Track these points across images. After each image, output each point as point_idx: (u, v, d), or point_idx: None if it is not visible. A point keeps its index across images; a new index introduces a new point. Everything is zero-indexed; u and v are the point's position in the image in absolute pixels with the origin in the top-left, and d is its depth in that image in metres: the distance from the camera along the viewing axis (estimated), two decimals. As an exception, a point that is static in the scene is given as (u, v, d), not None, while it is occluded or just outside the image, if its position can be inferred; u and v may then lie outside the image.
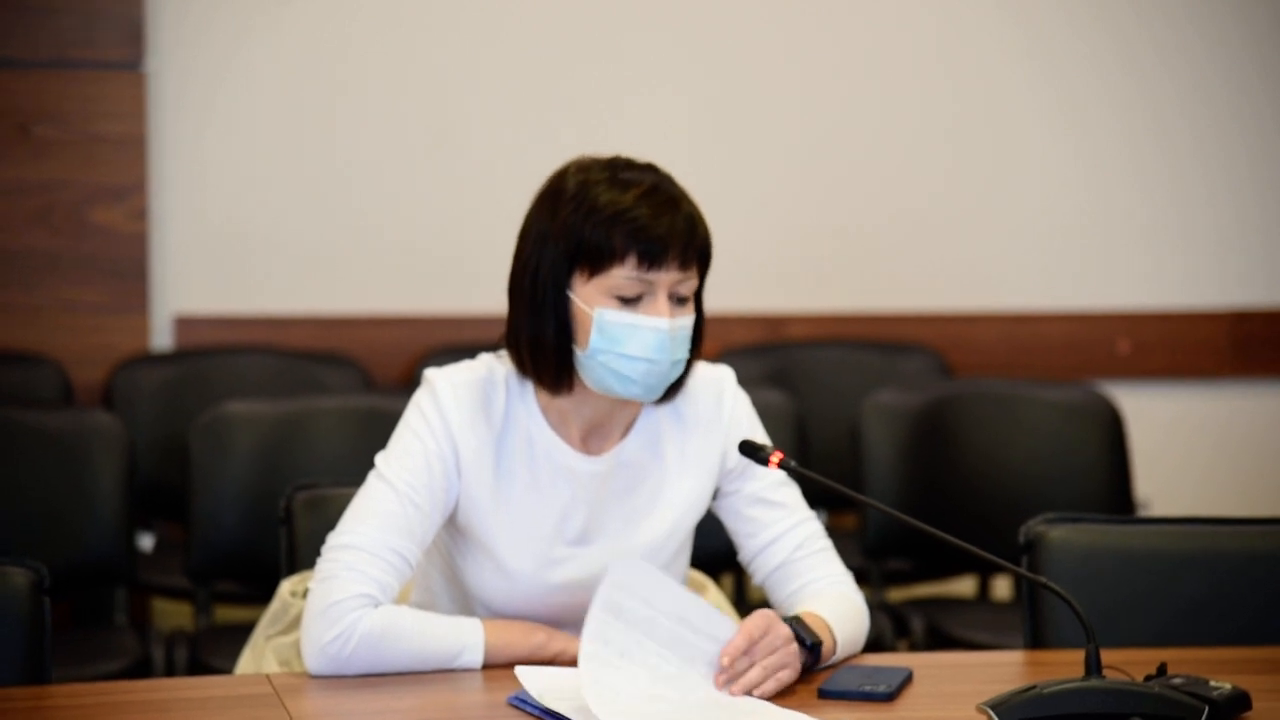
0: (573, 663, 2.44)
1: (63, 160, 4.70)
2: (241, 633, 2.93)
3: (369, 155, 4.92)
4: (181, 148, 4.82)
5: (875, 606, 3.91)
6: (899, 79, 5.14)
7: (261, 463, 3.85)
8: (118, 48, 4.71)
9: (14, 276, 4.68)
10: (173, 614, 4.60)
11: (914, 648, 3.97)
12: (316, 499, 2.90)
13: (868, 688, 2.34)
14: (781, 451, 2.49)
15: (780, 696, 2.33)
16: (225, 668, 3.32)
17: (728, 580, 4.06)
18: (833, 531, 2.72)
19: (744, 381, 2.67)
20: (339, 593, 2.41)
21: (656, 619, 2.25)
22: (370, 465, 2.52)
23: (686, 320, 2.47)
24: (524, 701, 2.26)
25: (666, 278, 2.43)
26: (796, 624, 2.40)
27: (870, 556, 4.10)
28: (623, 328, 2.43)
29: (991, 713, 2.21)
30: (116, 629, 3.80)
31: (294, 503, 2.91)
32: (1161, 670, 2.31)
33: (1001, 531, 3.10)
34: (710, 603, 2.43)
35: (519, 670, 2.31)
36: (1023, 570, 2.59)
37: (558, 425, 2.54)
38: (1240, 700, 2.25)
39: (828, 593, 2.57)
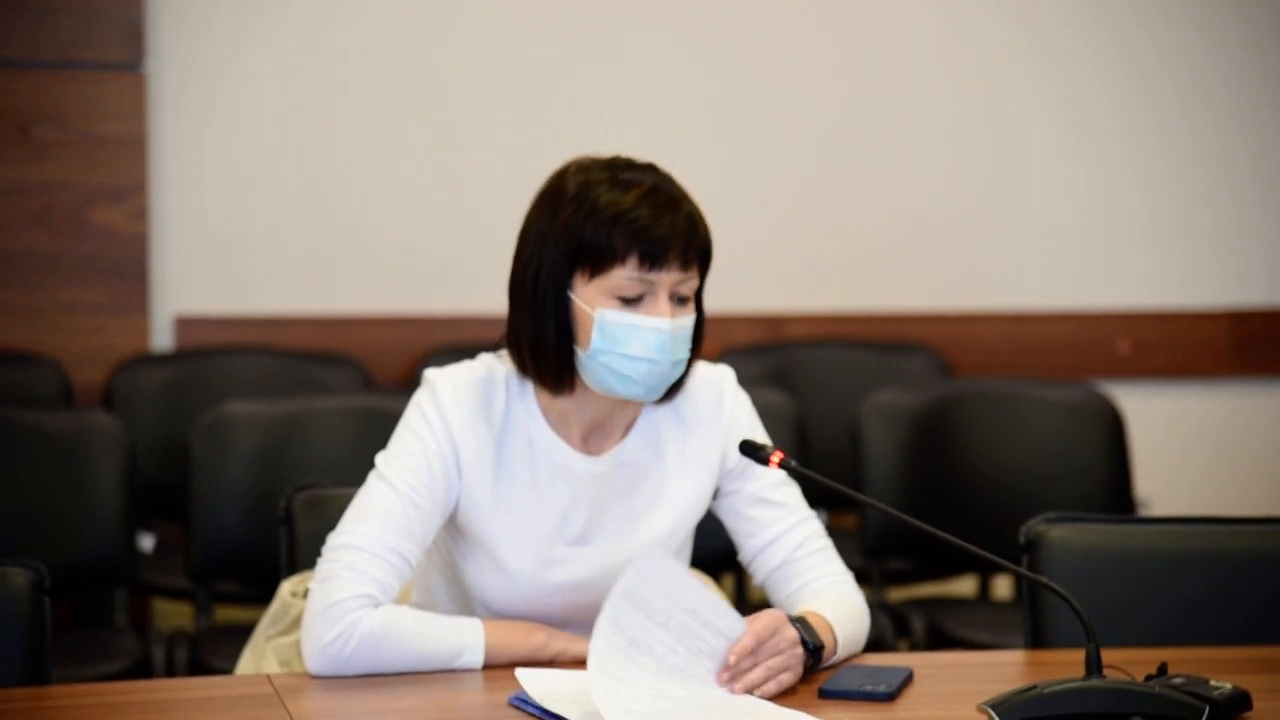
0: (573, 663, 2.45)
1: (63, 161, 4.70)
2: (242, 633, 2.93)
3: (369, 155, 4.92)
4: (181, 148, 4.83)
5: (876, 606, 3.91)
6: (899, 79, 5.14)
7: (262, 463, 3.85)
8: (118, 48, 4.71)
9: (14, 277, 4.68)
10: (173, 614, 4.60)
11: (914, 647, 3.97)
12: (317, 499, 2.90)
13: (868, 687, 2.35)
14: (782, 451, 2.49)
15: (781, 696, 2.33)
16: (226, 668, 3.32)
17: (728, 580, 4.06)
18: (833, 531, 2.72)
19: (744, 381, 2.67)
20: (339, 593, 2.41)
21: (672, 611, 2.25)
22: (370, 465, 2.52)
23: (687, 320, 2.47)
24: (525, 702, 2.26)
25: (667, 278, 2.43)
26: (801, 626, 2.40)
27: (870, 556, 4.10)
28: (624, 328, 2.43)
29: (992, 712, 2.21)
30: (117, 629, 3.80)
31: (294, 503, 2.91)
32: (1162, 670, 2.31)
33: (1002, 531, 3.10)
34: None
35: (519, 673, 2.31)
36: (1023, 570, 2.59)
37: (558, 425, 2.54)
38: (1241, 700, 2.25)
39: (828, 592, 2.57)
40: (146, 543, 4.49)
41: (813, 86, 5.11)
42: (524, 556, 2.53)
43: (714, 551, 2.84)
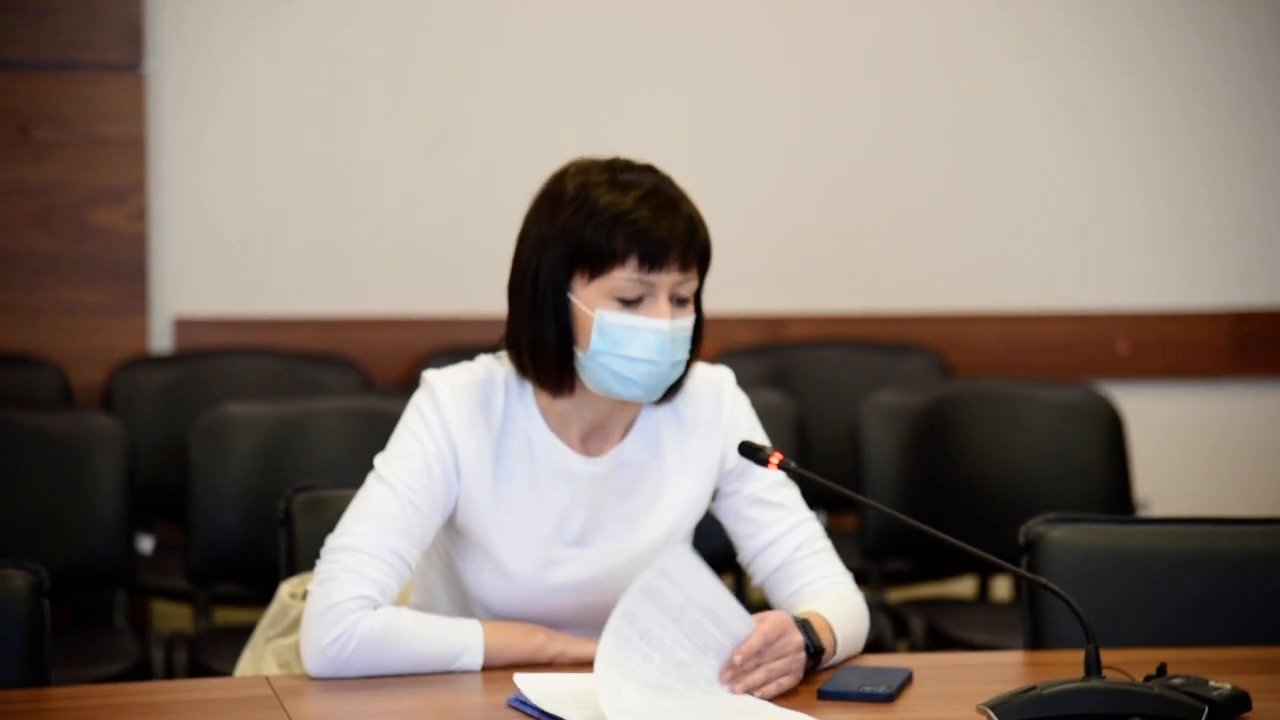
0: (573, 664, 2.46)
1: (62, 162, 4.70)
2: (241, 635, 2.93)
3: (369, 156, 4.92)
4: (181, 149, 4.82)
5: (875, 607, 3.90)
6: (899, 79, 5.14)
7: (261, 464, 3.85)
8: (117, 49, 4.71)
9: (14, 278, 4.68)
10: (172, 616, 4.60)
11: (914, 648, 3.97)
12: (316, 501, 2.90)
13: (868, 688, 2.35)
14: (781, 452, 2.49)
15: (781, 697, 2.33)
16: (225, 670, 3.32)
17: (728, 581, 4.04)
18: (832, 532, 2.72)
19: (743, 382, 2.67)
20: (338, 594, 2.41)
21: (686, 608, 2.25)
22: (369, 467, 2.52)
23: (687, 321, 2.47)
24: (524, 703, 2.26)
25: (667, 279, 2.43)
26: (804, 629, 2.40)
27: (870, 557, 4.10)
28: (624, 329, 2.43)
29: (992, 713, 2.21)
30: (116, 631, 3.80)
31: (293, 504, 2.91)
32: (1161, 670, 2.31)
33: (1001, 532, 3.09)
34: None
35: (517, 677, 2.31)
36: (1022, 571, 2.59)
37: (557, 427, 2.54)
38: (1240, 700, 2.25)
39: (827, 593, 2.57)
40: (146, 544, 4.49)
41: (813, 86, 5.11)
42: (523, 558, 2.53)
43: (713, 552, 2.81)
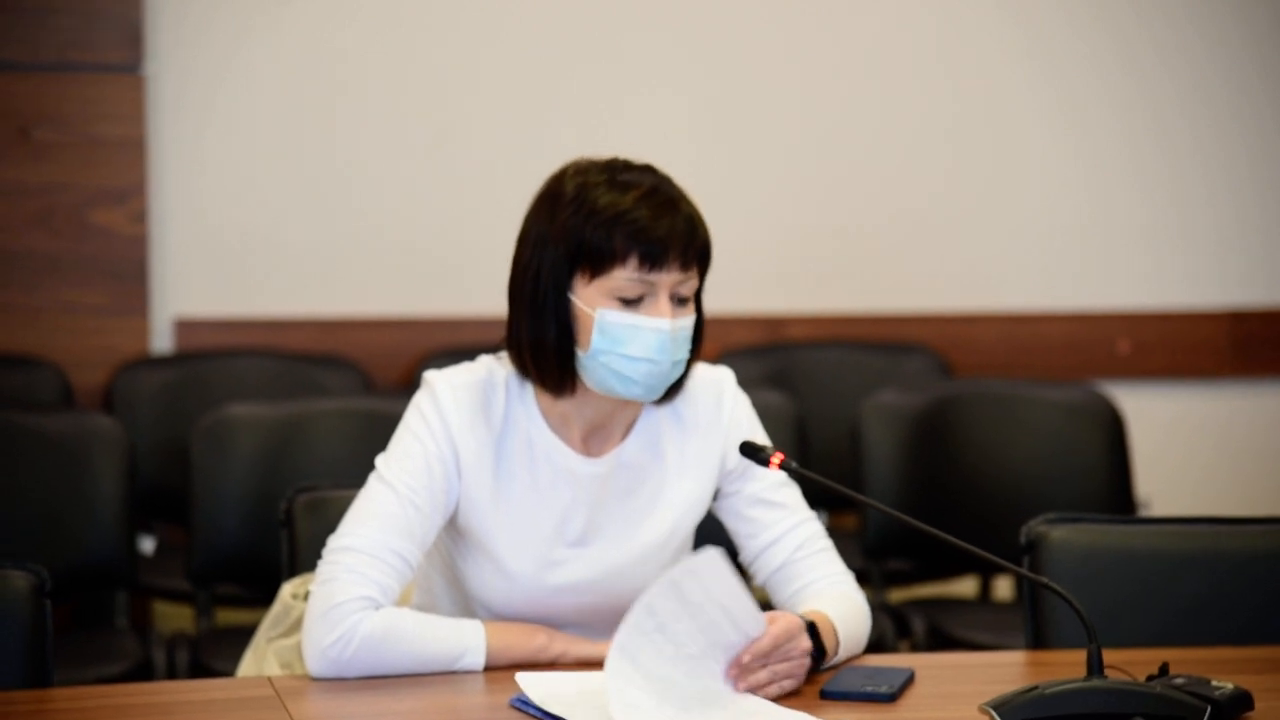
0: (574, 664, 2.46)
1: (63, 163, 4.70)
2: (243, 635, 2.93)
3: (369, 156, 4.92)
4: (181, 150, 4.83)
5: (876, 607, 3.90)
6: (899, 79, 5.14)
7: (262, 465, 3.85)
8: (117, 50, 4.71)
9: (14, 279, 4.68)
10: (174, 617, 4.60)
11: (915, 648, 3.97)
12: (317, 501, 2.90)
13: (870, 688, 2.35)
14: (782, 452, 2.49)
15: (783, 696, 2.33)
16: (227, 670, 3.32)
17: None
18: (833, 532, 2.72)
19: (744, 382, 2.67)
20: (340, 595, 2.41)
21: (706, 605, 2.26)
22: (370, 467, 2.52)
23: (687, 321, 2.47)
24: (526, 704, 2.26)
25: (667, 278, 2.44)
26: (812, 633, 2.40)
27: (871, 557, 4.10)
28: (624, 328, 2.43)
29: (994, 713, 2.21)
30: (118, 632, 3.80)
31: (295, 505, 2.91)
32: (1163, 670, 2.31)
33: (1002, 532, 3.09)
34: None
35: (519, 676, 2.31)
36: (1024, 570, 2.59)
37: (558, 427, 2.54)
38: (1242, 700, 2.25)
39: (829, 592, 2.57)
40: (147, 545, 4.49)
41: (813, 86, 5.11)
42: (524, 558, 2.53)
43: (715, 553, 2.84)
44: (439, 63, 4.94)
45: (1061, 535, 2.69)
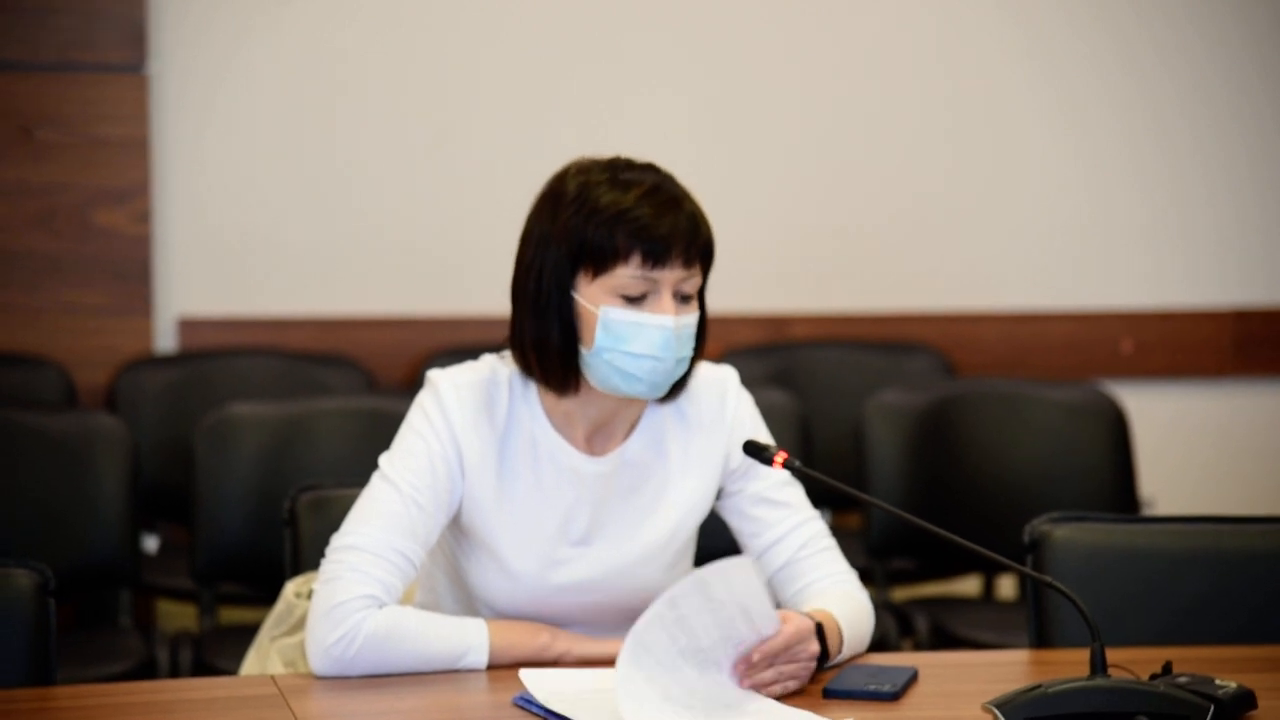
0: (578, 663, 2.46)
1: (65, 163, 4.70)
2: (246, 634, 2.93)
3: (370, 156, 4.92)
4: (183, 150, 4.83)
5: (879, 606, 3.87)
6: (899, 79, 5.14)
7: (265, 464, 3.85)
8: (119, 50, 4.71)
9: (17, 278, 4.68)
10: (177, 615, 4.60)
11: (919, 647, 3.97)
12: (320, 500, 2.90)
13: (873, 687, 2.35)
14: (785, 451, 2.49)
15: (786, 695, 2.33)
16: (230, 669, 3.32)
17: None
18: (837, 531, 2.72)
19: (747, 382, 2.67)
20: (343, 594, 2.41)
21: (726, 603, 2.26)
22: (374, 466, 2.52)
23: (691, 318, 2.48)
24: (529, 702, 2.27)
25: (670, 276, 2.44)
26: (819, 635, 2.40)
27: (874, 556, 4.10)
28: (628, 325, 2.43)
29: (997, 712, 2.21)
30: (121, 630, 3.80)
31: (298, 504, 2.91)
32: (1167, 669, 2.31)
33: (1006, 531, 3.10)
34: None
35: (523, 674, 2.31)
36: (1027, 569, 2.59)
37: (561, 426, 2.54)
38: (1246, 699, 2.25)
39: (833, 591, 2.57)
40: (150, 544, 4.50)
41: (813, 86, 5.11)
42: (527, 557, 2.53)
43: (717, 551, 2.80)
44: (439, 63, 4.95)
45: (1065, 534, 2.69)
